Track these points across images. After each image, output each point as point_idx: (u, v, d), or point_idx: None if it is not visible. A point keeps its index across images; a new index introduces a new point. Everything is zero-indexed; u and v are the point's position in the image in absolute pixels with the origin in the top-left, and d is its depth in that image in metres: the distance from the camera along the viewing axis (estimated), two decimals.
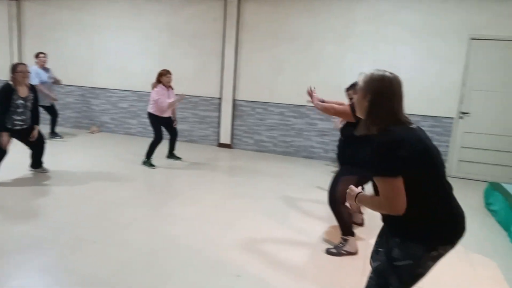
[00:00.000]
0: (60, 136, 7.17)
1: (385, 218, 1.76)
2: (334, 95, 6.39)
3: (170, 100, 5.59)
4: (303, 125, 6.75)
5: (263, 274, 2.82)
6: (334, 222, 3.87)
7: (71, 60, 8.01)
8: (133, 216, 3.78)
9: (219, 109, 7.16)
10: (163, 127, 5.74)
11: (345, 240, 3.21)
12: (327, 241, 3.45)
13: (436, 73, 5.88)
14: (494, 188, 4.48)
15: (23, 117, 4.57)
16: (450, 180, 1.72)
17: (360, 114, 1.76)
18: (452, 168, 5.92)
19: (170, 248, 3.15)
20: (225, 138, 7.21)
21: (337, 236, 3.44)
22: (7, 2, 8.19)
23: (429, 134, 1.75)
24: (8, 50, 8.32)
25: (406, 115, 1.71)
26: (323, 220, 3.94)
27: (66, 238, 3.22)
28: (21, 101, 4.49)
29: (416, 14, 5.89)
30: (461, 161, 5.92)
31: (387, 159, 1.56)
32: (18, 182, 4.62)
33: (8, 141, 4.46)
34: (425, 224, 1.61)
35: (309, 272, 2.91)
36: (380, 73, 1.72)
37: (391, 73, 1.74)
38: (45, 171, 5.03)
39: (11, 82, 4.43)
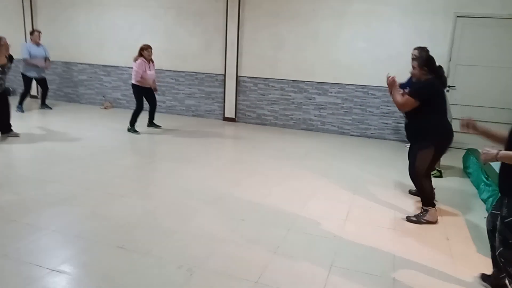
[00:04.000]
0: (50, 108, 7.92)
1: (502, 181, 2.14)
2: (330, 69, 6.91)
3: (151, 72, 6.23)
4: (302, 99, 7.24)
5: (264, 219, 3.41)
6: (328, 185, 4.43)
7: (82, 38, 8.46)
8: (153, 176, 4.37)
9: (223, 85, 7.64)
10: (144, 97, 6.39)
11: (426, 211, 3.48)
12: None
13: None
14: (470, 153, 5.02)
15: (1, 81, 5.32)
16: None
17: None
18: None
19: (187, 199, 3.75)
20: (229, 113, 7.72)
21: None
22: None
23: None
24: (23, 30, 8.75)
25: None
26: (321, 184, 4.52)
27: (96, 194, 3.81)
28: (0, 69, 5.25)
29: None
30: None
31: None
32: (26, 149, 5.21)
33: None
34: None
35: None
36: None
37: None
38: (16, 135, 5.64)
39: None
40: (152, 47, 6.27)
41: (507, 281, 2.31)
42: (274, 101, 7.43)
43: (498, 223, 2.16)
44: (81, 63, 8.62)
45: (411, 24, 6.35)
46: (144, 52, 6.14)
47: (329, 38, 6.86)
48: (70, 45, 8.60)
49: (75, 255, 2.72)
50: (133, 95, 6.49)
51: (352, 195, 4.09)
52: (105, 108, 8.41)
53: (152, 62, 6.34)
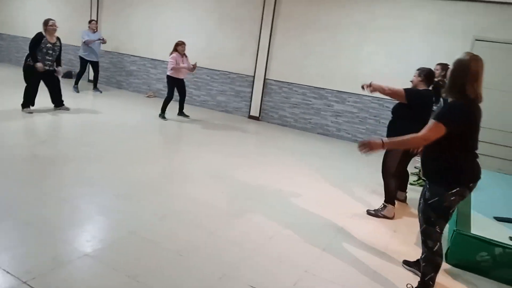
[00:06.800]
0: (100, 91, 9.08)
1: (424, 167, 2.46)
2: (350, 79, 7.33)
3: (183, 65, 7.07)
4: (321, 105, 7.72)
5: (249, 196, 4.00)
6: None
7: (137, 34, 9.59)
8: (168, 153, 5.12)
9: (252, 86, 8.32)
10: (176, 88, 7.22)
11: (385, 206, 3.86)
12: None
13: None
14: None
15: (51, 58, 6.20)
16: None
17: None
18: None
19: (191, 174, 4.43)
20: (254, 111, 8.38)
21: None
22: None
23: None
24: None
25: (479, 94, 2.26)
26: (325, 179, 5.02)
27: (119, 157, 4.63)
28: (50, 45, 6.14)
29: (429, 13, 6.57)
30: None
31: (449, 115, 2.26)
32: (70, 119, 6.19)
33: (43, 68, 6.04)
34: (446, 171, 2.29)
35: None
36: (462, 56, 2.31)
37: (473, 55, 2.28)
38: (67, 109, 6.64)
39: (43, 32, 6.11)
40: (185, 43, 7.13)
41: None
42: (296, 104, 7.97)
43: (421, 204, 2.42)
44: (133, 55, 9.74)
45: (431, 42, 6.61)
46: (179, 47, 7.01)
47: (352, 50, 7.29)
48: (126, 38, 9.77)
49: (86, 195, 3.51)
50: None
51: (332, 188, 4.55)
52: (148, 96, 9.42)
53: (186, 56, 7.17)
